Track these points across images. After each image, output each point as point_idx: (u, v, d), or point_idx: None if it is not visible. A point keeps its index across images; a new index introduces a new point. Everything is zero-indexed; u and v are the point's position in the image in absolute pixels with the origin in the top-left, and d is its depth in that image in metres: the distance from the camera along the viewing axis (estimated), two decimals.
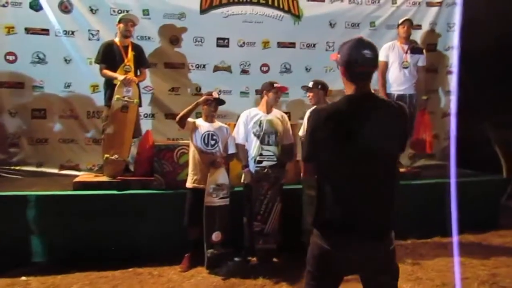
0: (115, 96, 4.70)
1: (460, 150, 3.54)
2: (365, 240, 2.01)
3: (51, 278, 4.04)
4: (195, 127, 4.31)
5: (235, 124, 4.64)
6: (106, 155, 4.71)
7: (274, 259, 4.52)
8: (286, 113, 5.13)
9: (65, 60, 5.49)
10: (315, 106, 4.66)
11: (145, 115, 5.71)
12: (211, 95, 4.39)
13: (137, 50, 5.01)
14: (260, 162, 4.40)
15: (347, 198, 2.02)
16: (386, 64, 5.51)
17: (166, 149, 4.64)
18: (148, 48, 5.54)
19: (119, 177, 4.75)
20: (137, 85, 4.88)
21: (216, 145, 4.32)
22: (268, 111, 4.50)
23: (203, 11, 5.83)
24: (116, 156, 4.70)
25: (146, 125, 5.50)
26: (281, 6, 6.02)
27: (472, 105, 5.13)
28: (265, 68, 6.10)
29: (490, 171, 6.18)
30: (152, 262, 4.32)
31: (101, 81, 5.08)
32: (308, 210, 4.35)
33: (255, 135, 4.41)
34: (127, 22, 4.91)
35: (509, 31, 5.96)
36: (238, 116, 4.66)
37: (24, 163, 5.48)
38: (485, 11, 5.60)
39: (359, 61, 2.04)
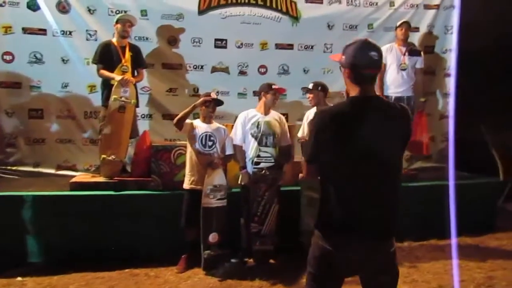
0: (112, 97, 4.70)
1: (458, 152, 3.55)
2: (368, 241, 2.01)
3: (47, 278, 4.03)
4: (192, 128, 4.30)
5: (232, 125, 4.64)
6: (103, 156, 4.70)
7: (271, 261, 4.52)
8: (283, 114, 5.12)
9: (63, 60, 5.48)
10: (314, 108, 4.69)
11: (143, 116, 5.70)
12: (209, 96, 4.39)
13: (135, 50, 5.00)
14: (257, 163, 4.40)
15: (351, 199, 2.02)
16: (384, 66, 5.52)
17: (163, 150, 4.63)
18: (146, 49, 5.53)
19: (116, 178, 4.74)
20: (135, 85, 4.88)
21: (213, 146, 4.32)
22: (266, 112, 4.50)
23: (201, 12, 5.83)
24: (113, 156, 4.70)
25: (143, 125, 5.50)
26: (279, 8, 6.02)
27: (469, 108, 5.14)
28: (263, 70, 6.10)
29: (487, 173, 6.19)
30: (149, 263, 4.31)
31: (98, 81, 5.07)
32: (307, 211, 4.36)
33: (253, 136, 4.41)
34: (125, 23, 4.90)
35: (505, 33, 5.98)
36: (236, 117, 4.66)
37: (21, 163, 5.46)
38: (482, 14, 5.60)
39: (366, 63, 2.03)
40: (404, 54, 5.60)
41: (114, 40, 4.93)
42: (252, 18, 5.96)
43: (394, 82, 5.53)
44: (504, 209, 6.24)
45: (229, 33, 5.94)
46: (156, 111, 5.85)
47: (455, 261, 3.87)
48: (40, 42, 5.40)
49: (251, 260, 4.48)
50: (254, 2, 5.95)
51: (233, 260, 4.39)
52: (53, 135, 5.56)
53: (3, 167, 5.40)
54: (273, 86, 4.49)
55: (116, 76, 4.74)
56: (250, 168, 4.41)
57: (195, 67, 5.92)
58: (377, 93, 2.14)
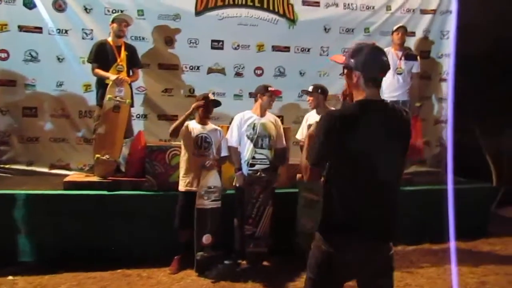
0: (107, 96, 4.68)
1: (452, 157, 3.55)
2: (371, 243, 2.05)
3: (39, 278, 4.00)
4: (187, 130, 4.29)
5: (228, 127, 4.63)
6: (97, 155, 4.69)
7: (264, 263, 4.51)
8: (279, 116, 5.13)
9: (58, 58, 5.45)
10: (314, 110, 4.69)
11: (138, 116, 5.68)
12: (207, 97, 4.37)
13: (130, 50, 4.99)
14: (253, 165, 4.39)
15: (358, 202, 2.04)
16: None
17: (158, 150, 4.62)
18: (142, 49, 5.52)
19: (110, 178, 4.72)
20: (130, 85, 4.87)
21: (209, 148, 4.31)
22: (262, 114, 4.50)
23: (198, 13, 5.82)
24: (107, 156, 4.68)
25: (138, 125, 5.48)
26: (276, 10, 6.02)
27: (463, 112, 5.16)
28: (259, 71, 6.10)
29: (481, 178, 6.22)
30: (142, 263, 4.30)
31: (93, 80, 5.05)
32: (304, 212, 4.37)
33: (248, 138, 4.41)
34: (121, 22, 4.89)
35: (500, 38, 6.02)
36: (232, 119, 4.65)
37: (14, 162, 5.42)
38: (477, 18, 5.63)
39: (379, 67, 2.10)
40: (400, 59, 5.62)
41: (110, 39, 4.91)
42: (249, 19, 5.95)
43: (390, 86, 5.55)
44: (497, 214, 6.27)
45: (226, 34, 5.93)
46: (152, 111, 5.82)
47: (453, 267, 3.87)
48: (35, 40, 5.37)
49: (244, 262, 4.47)
50: (251, 3, 5.95)
51: (226, 262, 4.38)
52: (47, 133, 5.53)
53: None
54: (269, 88, 4.50)
55: (111, 76, 4.72)
56: (245, 170, 4.40)
57: (191, 67, 5.90)
58: None
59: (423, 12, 6.42)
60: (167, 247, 4.32)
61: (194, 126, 4.33)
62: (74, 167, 5.52)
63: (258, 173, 4.38)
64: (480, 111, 6.17)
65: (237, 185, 4.43)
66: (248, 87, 5.73)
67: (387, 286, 2.13)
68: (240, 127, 4.44)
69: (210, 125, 4.42)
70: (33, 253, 4.30)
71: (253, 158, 4.39)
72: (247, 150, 4.41)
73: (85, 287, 3.91)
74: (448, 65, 6.37)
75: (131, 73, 5.00)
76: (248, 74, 6.05)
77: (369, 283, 2.13)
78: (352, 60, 2.10)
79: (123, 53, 4.88)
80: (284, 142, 4.64)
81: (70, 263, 4.17)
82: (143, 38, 5.67)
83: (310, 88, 4.69)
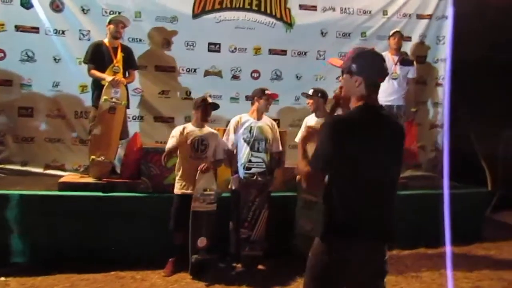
0: (103, 97, 4.67)
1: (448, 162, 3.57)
2: (372, 245, 2.08)
3: (31, 279, 3.97)
4: (184, 133, 4.28)
5: (224, 130, 4.63)
6: (92, 157, 4.67)
7: (259, 266, 4.49)
8: (275, 120, 5.14)
9: (55, 59, 5.44)
10: (313, 114, 4.70)
11: (134, 117, 5.66)
12: (205, 100, 4.36)
13: (126, 51, 4.99)
14: (249, 168, 4.38)
15: (360, 205, 2.06)
16: None
17: (154, 152, 4.60)
18: (139, 50, 5.53)
19: (105, 179, 4.71)
20: (126, 86, 4.86)
21: (205, 151, 4.30)
22: (259, 117, 4.50)
23: (195, 15, 5.82)
24: (102, 157, 4.66)
25: (134, 127, 5.46)
26: (273, 14, 6.04)
27: (458, 117, 5.18)
28: (256, 75, 6.10)
29: (476, 183, 6.24)
30: (136, 265, 4.27)
31: (90, 81, 5.03)
32: (302, 213, 4.36)
33: (245, 141, 4.40)
34: (118, 24, 4.89)
35: (495, 44, 6.06)
36: (228, 122, 4.65)
37: (9, 162, 5.40)
38: (472, 24, 5.67)
39: (380, 72, 2.14)
40: (396, 63, 5.63)
41: (106, 40, 4.91)
42: (246, 23, 5.96)
43: (385, 91, 5.54)
44: (492, 218, 6.29)
45: (223, 37, 5.94)
46: (148, 113, 5.82)
47: (449, 272, 3.89)
48: (32, 40, 5.36)
49: (239, 265, 4.46)
50: (248, 7, 5.96)
51: (221, 265, 4.37)
52: (42, 133, 5.51)
53: None
54: (266, 92, 4.50)
55: (107, 77, 4.72)
56: (241, 173, 4.39)
57: (188, 70, 5.90)
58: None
59: (420, 17, 6.45)
60: (162, 250, 4.30)
61: (190, 129, 4.32)
62: (69, 168, 5.50)
63: (255, 177, 4.38)
64: (476, 115, 6.19)
65: (233, 188, 4.42)
66: (244, 90, 5.74)
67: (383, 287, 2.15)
68: (237, 130, 4.44)
69: (207, 128, 4.40)
70: (26, 254, 4.27)
71: (250, 161, 4.39)
72: (243, 153, 4.40)
73: None
74: (444, 70, 6.40)
75: (127, 75, 5.00)
76: (244, 77, 6.05)
77: (366, 285, 2.13)
78: (353, 65, 2.11)
79: (120, 55, 4.88)
80: (280, 145, 4.64)
81: (64, 265, 4.13)
82: (140, 40, 5.67)
83: (310, 92, 4.69)
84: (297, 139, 4.91)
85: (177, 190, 4.27)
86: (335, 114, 2.34)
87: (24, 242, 4.27)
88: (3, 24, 5.28)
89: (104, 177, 4.71)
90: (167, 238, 4.24)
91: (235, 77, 6.05)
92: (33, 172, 5.41)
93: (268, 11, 6.03)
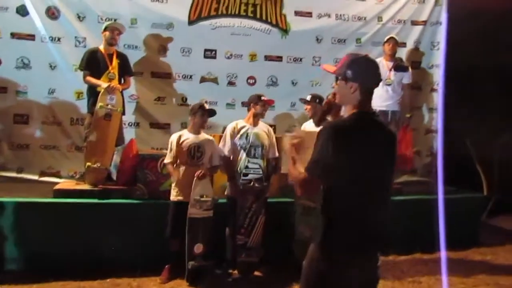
0: (99, 104, 4.67)
1: (443, 166, 3.58)
2: (370, 256, 2.09)
3: (26, 287, 3.95)
4: (180, 141, 4.28)
5: (220, 136, 4.63)
6: (88, 163, 4.66)
7: (256, 273, 4.48)
8: (271, 126, 5.15)
9: (50, 66, 5.44)
10: (311, 120, 4.70)
11: (130, 124, 5.67)
12: (203, 106, 4.36)
13: (122, 58, 5.00)
14: (246, 174, 4.38)
15: (360, 215, 2.04)
16: None
17: (149, 159, 4.60)
18: (135, 57, 5.54)
19: (100, 186, 4.70)
20: (121, 93, 4.87)
21: (201, 158, 4.30)
22: (255, 123, 4.50)
23: (191, 22, 5.84)
24: (98, 164, 4.66)
25: (130, 133, 5.46)
26: (269, 20, 6.06)
27: (454, 122, 5.21)
28: (251, 81, 6.12)
29: (472, 188, 6.25)
30: (132, 272, 4.25)
31: (85, 88, 5.03)
32: (302, 220, 4.35)
33: (241, 147, 4.41)
34: (113, 30, 4.91)
35: (491, 49, 6.10)
36: (224, 128, 4.65)
37: (4, 169, 5.38)
38: (466, 31, 5.71)
39: (375, 79, 2.14)
40: (390, 70, 5.66)
41: (102, 47, 4.92)
42: (242, 29, 5.98)
43: (380, 97, 5.55)
44: (488, 223, 6.30)
45: (219, 43, 5.95)
46: (144, 119, 5.82)
47: (444, 277, 3.89)
48: (28, 47, 5.37)
49: (236, 271, 4.44)
50: (244, 13, 5.98)
51: (217, 271, 4.36)
52: (37, 140, 5.50)
53: None
54: (262, 98, 4.51)
55: (103, 83, 4.72)
56: (238, 179, 4.39)
57: (184, 76, 5.91)
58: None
59: (414, 23, 6.49)
60: (158, 256, 4.28)
61: (187, 136, 4.32)
62: (64, 175, 5.48)
63: (251, 183, 4.38)
64: (471, 120, 6.22)
65: (230, 194, 4.42)
66: (240, 96, 5.74)
67: None
68: (233, 137, 4.44)
69: (203, 135, 4.41)
70: (21, 261, 4.25)
71: (246, 167, 4.39)
72: (240, 160, 4.41)
73: None
74: (438, 76, 6.43)
75: (122, 81, 5.00)
76: (240, 83, 6.06)
77: None
78: (348, 71, 2.10)
79: (115, 61, 4.89)
80: (277, 151, 4.65)
81: (59, 272, 4.11)
82: (136, 47, 5.68)
83: (308, 97, 4.70)
84: (286, 143, 4.91)
85: (173, 197, 4.27)
86: (326, 120, 2.34)
87: (19, 249, 4.25)
88: None
89: (99, 183, 4.71)
90: (163, 244, 4.22)
91: (231, 83, 6.06)
92: (28, 179, 5.39)
93: (264, 17, 6.06)
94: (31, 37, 5.37)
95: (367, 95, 2.12)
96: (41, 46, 5.39)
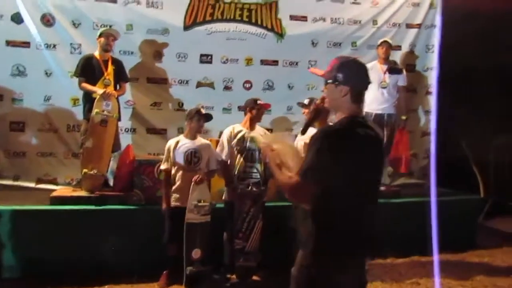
0: (94, 110, 4.67)
1: (439, 168, 3.59)
2: (361, 261, 2.10)
3: None
4: (176, 147, 4.28)
5: (217, 140, 4.63)
6: (84, 170, 4.65)
7: (254, 277, 4.47)
8: (268, 129, 5.15)
9: (46, 73, 5.44)
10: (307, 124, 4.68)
11: (126, 130, 5.66)
12: (199, 111, 4.36)
13: (117, 64, 5.00)
14: (243, 179, 4.38)
15: (353, 221, 2.02)
16: None
17: (146, 164, 4.60)
18: (131, 63, 5.54)
19: (97, 192, 4.68)
20: (117, 99, 4.86)
21: (199, 163, 4.29)
22: (252, 128, 4.50)
23: (186, 27, 5.85)
24: (94, 170, 4.65)
25: (126, 139, 5.45)
26: (264, 24, 6.08)
27: (450, 124, 5.23)
28: (248, 85, 6.12)
29: (469, 190, 6.27)
30: (129, 278, 4.24)
31: (81, 94, 5.02)
32: (303, 224, 4.32)
33: (238, 151, 4.40)
34: (108, 36, 4.91)
35: (487, 52, 6.14)
36: (220, 132, 4.65)
37: (0, 176, 5.36)
38: (461, 33, 5.74)
39: (366, 81, 2.12)
40: (385, 73, 5.68)
41: (97, 53, 4.92)
42: (238, 34, 5.99)
43: (374, 100, 5.56)
44: (485, 225, 6.31)
45: (215, 48, 5.95)
46: (140, 125, 5.81)
47: (437, 279, 3.89)
48: (23, 54, 5.36)
49: (234, 276, 4.43)
50: (239, 18, 5.99)
51: (215, 276, 4.34)
52: (34, 148, 5.48)
53: None
54: (259, 102, 4.51)
55: (98, 90, 4.72)
56: (236, 183, 4.38)
57: (180, 81, 5.91)
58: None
59: (409, 26, 6.51)
60: (156, 262, 4.26)
61: (183, 141, 4.32)
62: (61, 182, 5.47)
63: (249, 187, 4.37)
64: (467, 122, 6.25)
65: (228, 199, 4.41)
66: (237, 101, 5.74)
67: None
68: (230, 141, 4.44)
69: (199, 139, 4.40)
70: (18, 269, 4.23)
71: (244, 172, 4.39)
72: (237, 164, 4.40)
73: None
74: (433, 78, 6.46)
75: (118, 87, 5.00)
76: (237, 87, 6.07)
77: None
78: (339, 74, 2.06)
79: (110, 67, 4.89)
80: None
81: (56, 279, 4.09)
82: (132, 53, 5.68)
83: (306, 101, 4.70)
84: (265, 151, 4.90)
85: (170, 202, 4.26)
86: (314, 125, 2.31)
87: (16, 257, 4.23)
88: None
89: (96, 190, 4.69)
90: (160, 250, 4.21)
91: (227, 88, 6.06)
92: (25, 186, 5.37)
93: (259, 22, 6.07)
94: (26, 44, 5.37)
95: (359, 99, 2.09)
96: (37, 53, 5.39)
